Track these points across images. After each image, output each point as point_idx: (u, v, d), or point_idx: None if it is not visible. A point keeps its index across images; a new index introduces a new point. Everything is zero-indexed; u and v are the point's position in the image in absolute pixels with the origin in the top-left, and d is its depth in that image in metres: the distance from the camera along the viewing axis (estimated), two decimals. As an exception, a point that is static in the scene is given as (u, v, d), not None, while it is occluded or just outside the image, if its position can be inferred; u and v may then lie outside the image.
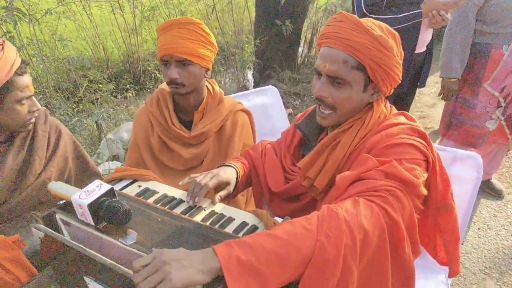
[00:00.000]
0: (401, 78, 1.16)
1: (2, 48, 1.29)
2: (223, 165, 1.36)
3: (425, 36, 2.13)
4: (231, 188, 1.28)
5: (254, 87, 4.89)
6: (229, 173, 1.30)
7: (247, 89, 4.81)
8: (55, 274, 1.03)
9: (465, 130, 2.50)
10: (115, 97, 4.64)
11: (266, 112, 2.40)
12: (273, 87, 2.48)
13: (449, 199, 1.17)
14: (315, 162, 1.17)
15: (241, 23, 5.72)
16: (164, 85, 1.62)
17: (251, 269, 0.76)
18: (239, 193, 1.42)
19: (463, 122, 2.50)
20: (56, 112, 2.99)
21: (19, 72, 1.31)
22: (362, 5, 2.05)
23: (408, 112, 2.38)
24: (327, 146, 1.17)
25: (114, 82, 4.82)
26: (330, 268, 0.81)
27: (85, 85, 4.08)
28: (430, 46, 2.24)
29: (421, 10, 1.98)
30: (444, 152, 1.60)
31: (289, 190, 1.31)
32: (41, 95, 3.88)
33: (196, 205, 1.14)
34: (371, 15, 2.00)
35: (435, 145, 1.65)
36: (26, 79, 1.34)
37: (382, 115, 1.16)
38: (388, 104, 1.24)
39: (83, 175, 1.58)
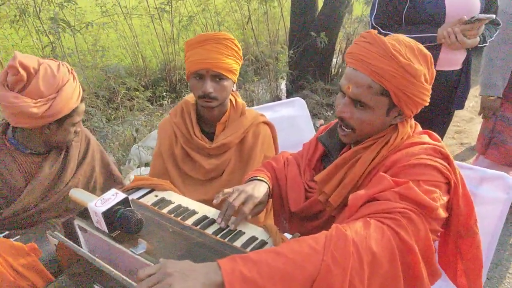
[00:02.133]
0: (428, 101, 1.12)
1: (74, 77, 1.40)
2: (254, 179, 1.31)
3: (456, 54, 1.97)
4: (263, 208, 1.25)
5: (287, 97, 4.90)
6: (262, 192, 1.25)
7: (279, 99, 4.82)
8: (69, 282, 1.07)
9: (506, 150, 2.38)
10: (152, 104, 4.77)
11: (293, 123, 2.40)
12: (301, 98, 2.47)
13: (471, 224, 1.12)
14: (332, 177, 1.16)
15: (277, 33, 5.76)
16: (189, 97, 1.66)
17: (254, 286, 0.76)
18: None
19: (504, 141, 2.38)
20: (91, 119, 3.12)
21: (81, 98, 1.42)
22: (372, 18, 1.96)
23: (443, 135, 2.29)
24: (346, 162, 1.16)
25: (151, 90, 4.97)
26: None
27: (122, 92, 4.23)
28: (466, 64, 2.05)
29: (435, 35, 1.83)
30: (472, 171, 1.54)
31: (307, 208, 1.29)
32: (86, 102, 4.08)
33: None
34: (381, 30, 1.90)
35: (464, 163, 1.59)
36: (84, 105, 1.46)
37: (406, 135, 1.14)
38: (413, 122, 1.21)
39: (107, 183, 1.65)
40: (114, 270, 0.83)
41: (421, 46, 1.09)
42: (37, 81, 1.29)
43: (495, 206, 1.48)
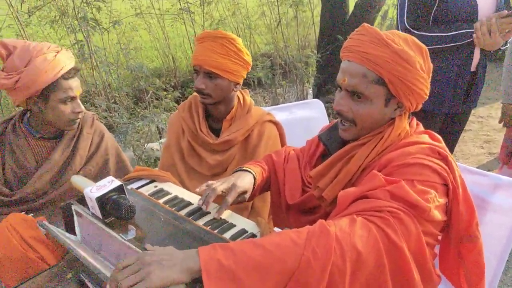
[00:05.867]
0: (427, 94, 1.11)
1: (56, 54, 1.46)
2: (240, 170, 1.35)
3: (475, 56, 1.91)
4: (247, 197, 1.28)
5: (313, 101, 4.85)
6: (246, 182, 1.28)
7: (305, 103, 4.78)
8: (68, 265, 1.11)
9: None
10: (179, 104, 4.85)
11: (309, 125, 2.38)
12: (319, 100, 2.45)
13: (473, 229, 1.08)
14: (327, 173, 1.15)
15: (306, 37, 5.72)
16: (198, 92, 1.69)
17: (230, 274, 0.76)
18: (255, 197, 1.41)
19: None
20: (113, 115, 3.22)
21: (66, 77, 1.47)
22: (404, 20, 1.93)
23: (460, 133, 2.24)
24: (342, 158, 1.14)
25: (180, 90, 5.07)
26: (314, 285, 0.79)
27: (150, 91, 4.34)
28: (482, 64, 1.99)
29: (472, 30, 1.78)
30: (486, 178, 1.48)
31: (304, 202, 1.29)
32: (113, 100, 4.22)
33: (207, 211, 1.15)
34: (415, 31, 1.88)
35: (477, 169, 1.52)
36: (71, 83, 1.49)
37: (404, 132, 1.11)
38: (415, 122, 1.18)
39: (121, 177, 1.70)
40: (93, 262, 0.85)
41: (416, 39, 1.08)
42: (12, 57, 1.39)
43: (509, 215, 1.41)
